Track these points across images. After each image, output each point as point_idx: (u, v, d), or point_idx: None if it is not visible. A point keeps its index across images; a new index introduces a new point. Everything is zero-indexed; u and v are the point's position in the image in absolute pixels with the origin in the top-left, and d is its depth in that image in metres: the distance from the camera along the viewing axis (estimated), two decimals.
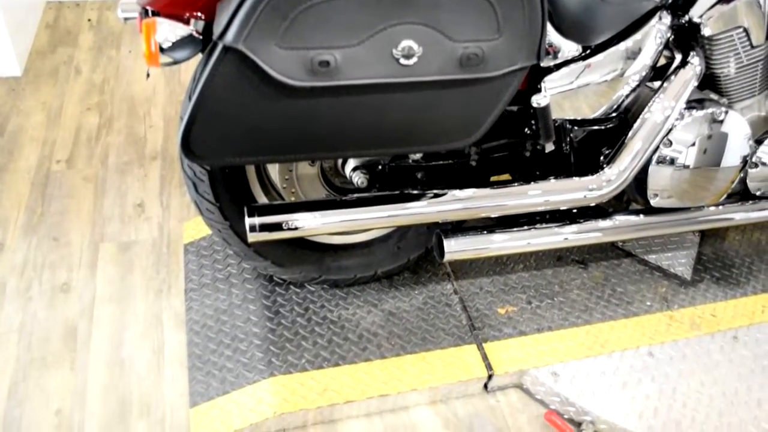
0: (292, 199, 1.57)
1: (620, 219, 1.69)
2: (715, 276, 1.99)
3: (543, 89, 1.43)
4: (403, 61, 1.09)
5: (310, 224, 1.39)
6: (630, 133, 1.53)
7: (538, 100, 1.40)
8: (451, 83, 1.14)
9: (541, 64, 1.43)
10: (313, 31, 1.05)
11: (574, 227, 1.64)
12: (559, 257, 1.94)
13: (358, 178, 1.47)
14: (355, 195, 1.47)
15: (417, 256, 1.74)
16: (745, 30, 1.55)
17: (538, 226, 1.62)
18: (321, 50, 1.06)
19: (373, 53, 1.07)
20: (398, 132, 1.18)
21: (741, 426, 1.63)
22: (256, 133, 1.15)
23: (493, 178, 1.64)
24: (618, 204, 1.87)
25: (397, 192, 1.47)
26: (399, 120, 1.16)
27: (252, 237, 1.36)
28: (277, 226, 1.36)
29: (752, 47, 1.59)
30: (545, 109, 1.41)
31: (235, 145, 1.16)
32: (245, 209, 1.35)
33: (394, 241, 1.72)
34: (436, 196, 1.48)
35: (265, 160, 1.20)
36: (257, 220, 1.35)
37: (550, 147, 1.50)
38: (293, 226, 1.38)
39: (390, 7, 1.05)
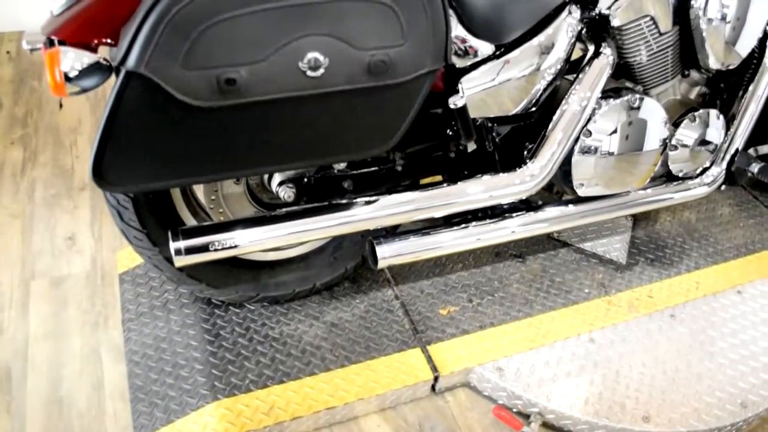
0: (221, 218, 1.55)
1: (552, 211, 1.71)
2: (649, 258, 2.04)
3: (460, 90, 1.45)
4: (310, 73, 1.08)
5: (237, 243, 1.38)
6: (550, 127, 1.56)
7: (454, 101, 1.41)
8: (361, 91, 1.14)
9: (457, 65, 1.44)
10: (217, 50, 1.04)
11: (506, 223, 1.66)
12: (497, 253, 1.96)
13: (285, 193, 1.46)
14: (284, 210, 1.45)
15: (354, 265, 1.73)
16: (653, 18, 1.60)
17: (470, 224, 1.63)
18: (226, 68, 1.05)
19: (279, 68, 1.07)
20: (314, 144, 1.18)
21: (684, 401, 1.67)
22: (170, 156, 1.13)
23: (423, 180, 1.65)
24: (550, 195, 1.90)
25: (325, 203, 1.46)
26: (313, 132, 1.16)
27: (178, 261, 1.34)
28: (203, 248, 1.34)
29: (660, 34, 1.63)
30: (463, 110, 1.42)
31: (149, 171, 1.14)
32: (170, 233, 1.33)
33: (330, 252, 1.71)
34: (366, 203, 1.47)
35: (181, 183, 1.18)
36: (182, 244, 1.33)
37: (472, 146, 1.51)
38: (220, 247, 1.36)
39: (292, 20, 1.05)
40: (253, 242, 1.39)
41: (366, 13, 1.07)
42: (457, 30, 1.38)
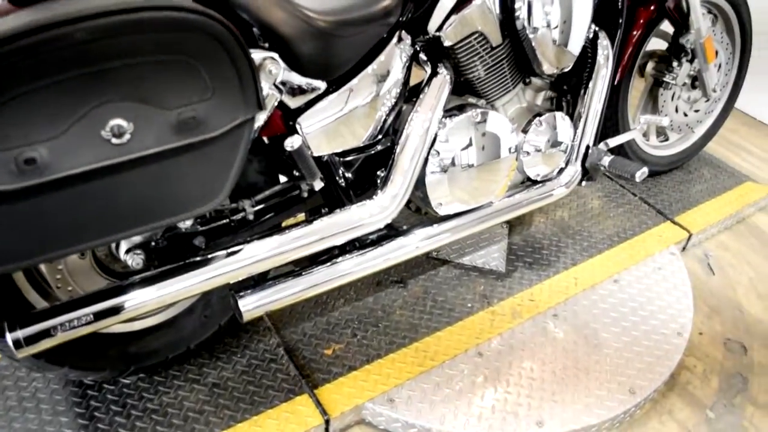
0: (71, 297, 1.47)
1: (419, 232, 1.70)
2: (527, 262, 2.08)
3: (298, 130, 1.44)
4: (114, 141, 1.04)
5: (83, 321, 1.30)
6: (396, 152, 1.56)
7: (290, 143, 1.39)
8: (176, 150, 1.10)
9: (291, 106, 1.43)
10: (9, 130, 0.98)
11: (375, 252, 1.64)
12: (378, 282, 1.95)
13: (133, 260, 1.40)
14: (137, 277, 1.39)
15: (228, 320, 1.68)
16: (482, 34, 1.64)
17: (338, 260, 1.61)
18: (23, 148, 1.00)
19: (81, 140, 1.02)
20: (137, 210, 1.13)
21: (575, 399, 1.69)
22: None
23: (286, 222, 1.62)
24: (419, 216, 1.91)
25: (179, 264, 1.41)
26: (133, 198, 1.11)
27: (21, 353, 1.25)
28: (46, 334, 1.26)
29: (493, 48, 1.67)
30: (300, 151, 1.40)
31: None
32: (5, 324, 1.25)
33: (200, 310, 1.65)
34: (223, 256, 1.43)
35: (2, 270, 1.10)
36: (20, 334, 1.24)
37: (319, 185, 1.50)
38: (67, 328, 1.29)
39: (86, 89, 1.00)
40: (102, 316, 1.32)
41: (165, 71, 1.04)
42: (283, 73, 1.37)
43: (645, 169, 1.84)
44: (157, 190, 1.13)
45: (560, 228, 2.22)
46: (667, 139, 2.56)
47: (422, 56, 1.65)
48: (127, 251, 1.41)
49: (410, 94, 1.64)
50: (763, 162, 2.88)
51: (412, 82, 1.65)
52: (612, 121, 2.23)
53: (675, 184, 2.53)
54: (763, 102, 3.20)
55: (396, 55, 1.54)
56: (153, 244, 1.42)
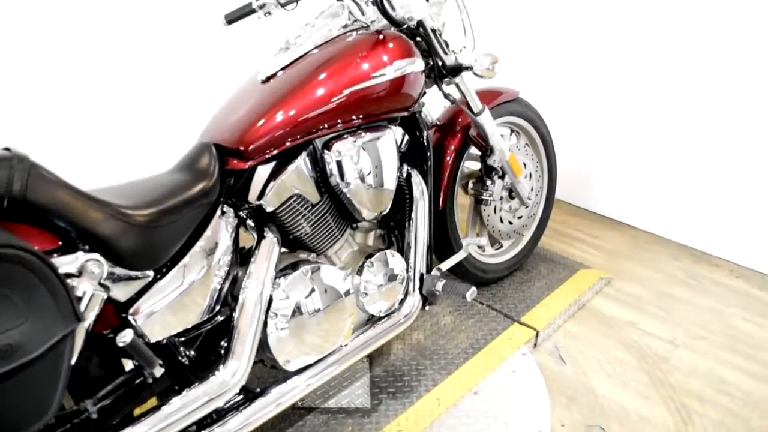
0: None
1: (276, 390, 1.75)
2: (391, 392, 2.15)
3: (131, 321, 1.47)
4: None
5: None
6: (235, 320, 1.62)
7: (122, 338, 1.42)
8: None
9: (122, 300, 1.47)
10: None
11: (234, 419, 1.66)
12: None
13: None
14: None
15: None
16: (301, 195, 1.77)
17: None
18: None
19: None
20: None
21: None
22: None
23: (138, 410, 1.61)
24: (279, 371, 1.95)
25: None
26: None
27: None
28: None
29: (313, 206, 1.81)
30: (132, 343, 1.43)
31: None
32: None
33: None
34: None
35: None
36: None
37: (160, 371, 1.52)
38: None
39: None
40: None
41: None
42: (107, 271, 1.40)
43: (473, 289, 2.00)
44: None
45: (418, 351, 2.33)
46: (501, 246, 2.79)
47: (249, 222, 1.75)
48: None
49: (243, 259, 1.73)
50: (592, 247, 3.18)
51: (246, 245, 1.75)
52: (446, 242, 2.42)
53: (517, 286, 2.73)
54: (582, 191, 3.57)
55: (222, 228, 1.63)
56: None
